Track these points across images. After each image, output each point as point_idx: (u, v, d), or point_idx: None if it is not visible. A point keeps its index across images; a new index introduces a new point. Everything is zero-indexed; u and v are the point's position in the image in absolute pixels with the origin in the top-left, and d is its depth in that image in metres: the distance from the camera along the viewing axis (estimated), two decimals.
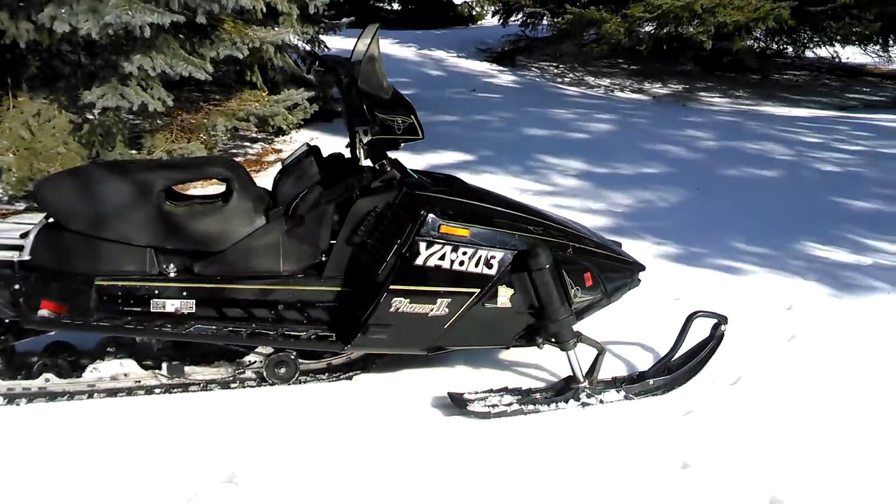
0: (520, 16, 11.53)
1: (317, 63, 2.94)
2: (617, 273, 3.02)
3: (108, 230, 2.71)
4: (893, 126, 7.79)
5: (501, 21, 11.99)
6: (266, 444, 2.59)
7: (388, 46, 11.16)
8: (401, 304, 2.74)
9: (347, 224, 2.87)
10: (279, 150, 6.79)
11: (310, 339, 2.85)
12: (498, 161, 6.17)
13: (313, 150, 2.98)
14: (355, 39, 2.93)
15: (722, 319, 3.04)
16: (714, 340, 3.04)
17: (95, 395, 2.82)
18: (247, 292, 2.85)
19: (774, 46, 11.02)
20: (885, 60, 11.28)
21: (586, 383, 2.89)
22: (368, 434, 2.67)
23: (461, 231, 2.75)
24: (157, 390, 2.89)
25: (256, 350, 2.95)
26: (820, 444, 2.58)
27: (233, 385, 2.94)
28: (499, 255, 2.78)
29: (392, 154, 2.99)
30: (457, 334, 2.84)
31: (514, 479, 2.44)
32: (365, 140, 2.87)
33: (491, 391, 2.92)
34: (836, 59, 11.38)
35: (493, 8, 12.25)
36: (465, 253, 2.74)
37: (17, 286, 2.69)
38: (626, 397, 2.91)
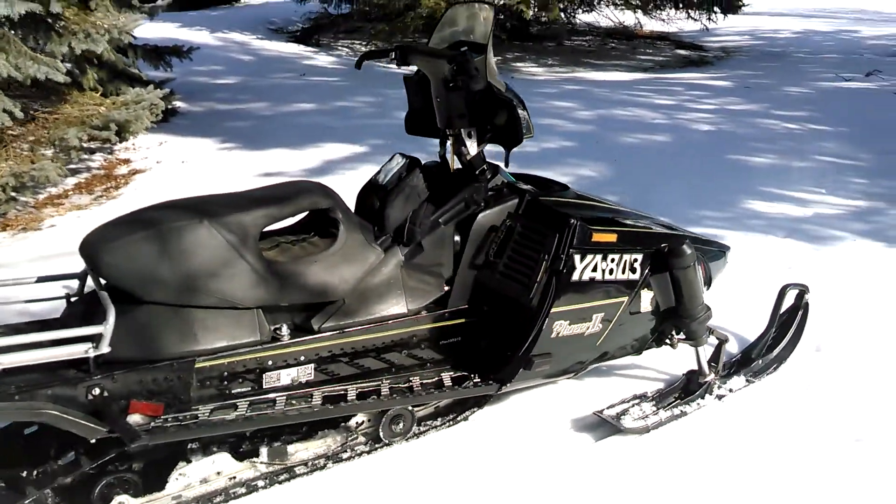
0: None
1: (397, 54, 2.42)
2: (714, 259, 2.91)
3: (203, 295, 2.04)
4: (706, 83, 8.55)
5: None
6: None
7: (177, 31, 10.06)
8: (561, 328, 2.40)
9: (471, 245, 2.46)
10: (128, 161, 5.79)
11: (462, 388, 2.41)
12: (396, 149, 5.77)
13: (416, 163, 2.51)
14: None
15: (805, 288, 3.07)
16: (802, 309, 3.05)
17: None
18: (372, 342, 2.34)
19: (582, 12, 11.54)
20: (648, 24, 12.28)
21: (712, 375, 2.78)
22: (532, 473, 2.34)
23: (610, 237, 2.46)
24: (260, 483, 2.29)
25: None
26: None
27: (344, 456, 2.42)
28: (640, 257, 2.53)
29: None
30: (605, 348, 2.58)
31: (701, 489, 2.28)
32: (472, 147, 2.47)
33: (624, 402, 2.70)
34: (598, 25, 12.18)
35: None
36: (613, 260, 2.47)
37: (98, 391, 1.95)
38: (747, 381, 2.84)
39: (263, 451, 2.28)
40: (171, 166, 5.47)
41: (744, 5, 11.74)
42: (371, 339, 2.34)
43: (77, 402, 1.91)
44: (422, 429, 2.54)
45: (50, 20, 4.76)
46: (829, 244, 4.06)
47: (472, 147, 2.48)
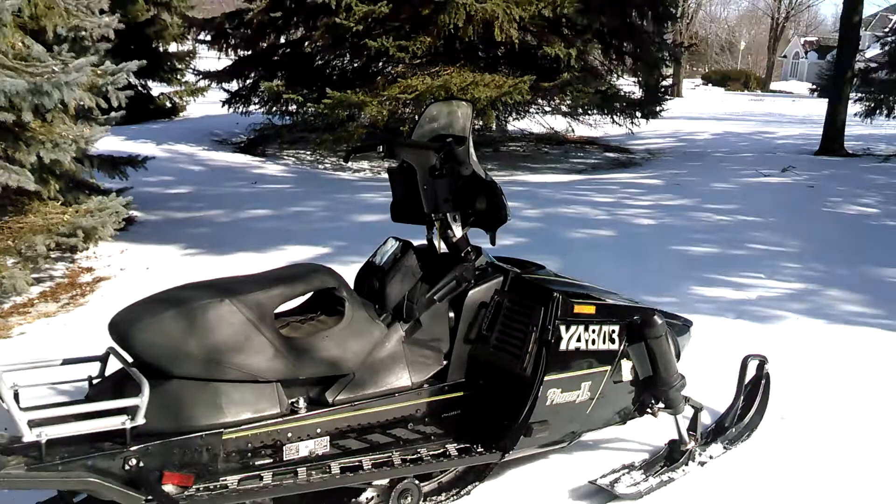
0: (258, 104, 11.33)
1: (384, 148, 2.65)
2: (680, 334, 3.14)
3: (227, 368, 2.14)
4: (639, 181, 9.11)
5: (232, 110, 11.65)
6: None
7: (123, 143, 10.18)
8: (555, 396, 2.57)
9: (464, 321, 2.63)
10: (91, 269, 5.80)
11: (468, 457, 2.53)
12: (359, 250, 5.97)
13: (409, 245, 2.70)
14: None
15: (764, 359, 3.32)
16: (764, 379, 3.29)
17: None
18: (381, 415, 2.46)
19: (511, 120, 12.17)
20: (586, 128, 13.07)
21: (692, 443, 2.96)
22: None
23: (589, 308, 2.67)
24: None
25: (373, 484, 2.54)
26: None
27: None
28: (616, 328, 2.75)
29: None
30: (594, 417, 2.75)
31: None
32: (457, 230, 2.68)
33: (615, 471, 2.85)
34: (530, 133, 12.90)
35: (221, 98, 11.80)
36: (594, 331, 2.67)
37: (134, 461, 2.01)
38: (724, 448, 3.04)
39: None
40: (136, 273, 5.51)
41: (663, 110, 12.63)
42: (380, 413, 2.46)
43: (115, 473, 1.97)
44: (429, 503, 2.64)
45: (17, 129, 4.86)
46: (774, 323, 4.38)
47: (457, 230, 2.68)
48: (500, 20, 9.93)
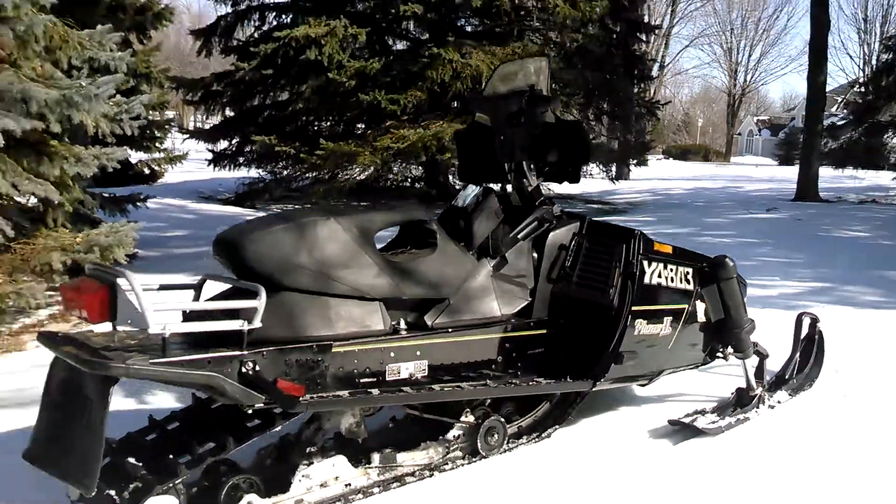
0: (244, 164, 11.42)
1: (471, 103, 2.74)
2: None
3: (335, 283, 2.14)
4: (633, 220, 9.29)
5: (218, 169, 11.73)
6: None
7: None
8: (641, 327, 2.60)
9: (546, 260, 2.67)
10: None
11: (561, 383, 2.52)
12: None
13: (490, 189, 2.75)
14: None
15: (816, 318, 3.38)
16: (818, 335, 3.35)
17: None
18: (475, 344, 2.45)
19: None
20: None
21: (760, 389, 2.99)
22: (621, 473, 2.45)
23: (667, 248, 2.75)
24: (376, 490, 2.28)
25: (461, 422, 2.51)
26: None
27: (445, 468, 2.45)
28: (691, 270, 2.81)
29: None
30: (674, 356, 2.78)
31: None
32: (532, 179, 2.75)
33: (689, 415, 2.84)
34: None
35: (207, 157, 11.87)
36: (671, 269, 2.73)
37: (250, 365, 1.97)
38: (790, 395, 3.08)
39: (376, 457, 2.30)
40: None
41: (629, 171, 12.94)
42: (473, 342, 2.46)
43: (232, 374, 1.93)
44: (511, 445, 2.62)
45: (41, 145, 4.86)
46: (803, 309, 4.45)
47: (532, 179, 2.75)
48: (486, 75, 10.26)
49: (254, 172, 11.56)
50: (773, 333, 3.34)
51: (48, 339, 2.00)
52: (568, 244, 2.71)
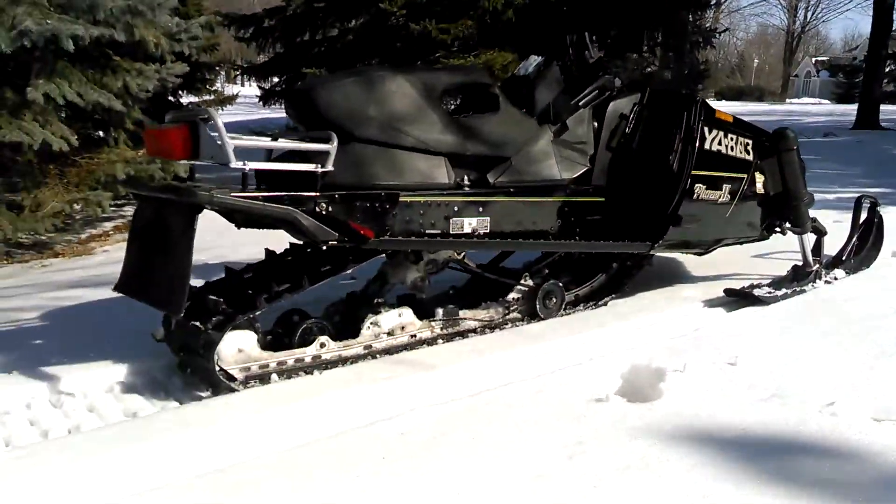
0: None
1: None
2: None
3: (402, 135, 2.21)
4: None
5: (269, 105, 11.86)
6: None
7: None
8: (700, 191, 2.63)
9: (606, 128, 2.70)
10: None
11: (621, 243, 2.59)
12: None
13: (552, 58, 2.78)
14: None
15: (876, 201, 3.36)
16: (878, 218, 3.33)
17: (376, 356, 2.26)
18: (535, 206, 2.52)
19: None
20: None
21: (816, 266, 3.00)
22: (679, 331, 2.51)
23: (728, 117, 2.76)
24: (440, 342, 2.39)
25: (519, 286, 2.59)
26: None
27: (505, 326, 2.55)
28: (751, 141, 2.82)
29: None
30: (731, 226, 2.81)
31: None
32: (594, 51, 2.77)
33: (745, 288, 2.88)
34: None
35: (254, 100, 12.02)
36: (732, 139, 2.75)
37: (324, 205, 2.08)
38: (847, 273, 3.08)
39: (439, 311, 2.40)
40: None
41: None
42: (534, 203, 2.52)
43: (308, 213, 2.03)
44: (568, 311, 2.70)
45: (103, 59, 5.01)
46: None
47: (594, 51, 2.77)
48: None
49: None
50: (831, 230, 3.30)
51: (135, 184, 2.13)
52: (628, 113, 2.73)
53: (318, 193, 2.06)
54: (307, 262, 2.27)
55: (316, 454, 1.70)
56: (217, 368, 1.97)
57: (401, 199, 2.20)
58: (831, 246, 3.24)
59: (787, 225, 2.97)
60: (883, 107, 12.53)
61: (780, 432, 1.75)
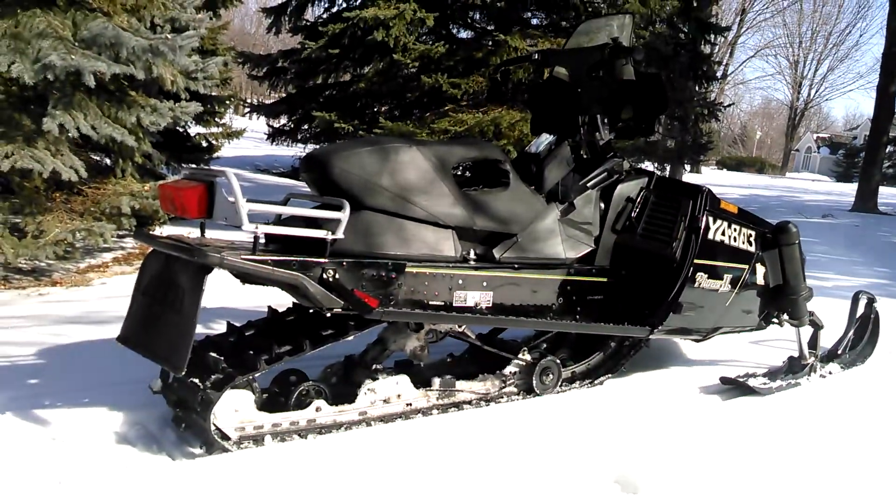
0: (301, 140, 11.65)
1: (539, 57, 2.83)
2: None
3: (413, 206, 2.25)
4: None
5: (276, 142, 12.00)
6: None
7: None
8: (702, 280, 2.66)
9: (612, 210, 2.75)
10: None
11: (620, 326, 2.60)
12: None
13: (563, 138, 2.83)
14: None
15: (873, 298, 3.39)
16: (874, 314, 3.36)
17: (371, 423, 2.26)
18: (538, 283, 2.54)
19: None
20: None
21: (812, 359, 3.02)
22: (668, 422, 2.49)
23: (733, 207, 2.81)
24: (435, 412, 2.40)
25: (517, 360, 2.60)
26: None
27: (500, 400, 2.55)
28: (754, 233, 2.86)
29: None
30: (730, 315, 2.83)
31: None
32: (605, 133, 2.81)
33: (740, 377, 2.89)
34: None
35: (261, 136, 12.15)
36: (735, 229, 2.79)
37: (331, 272, 2.09)
38: (842, 368, 3.10)
39: (436, 381, 2.42)
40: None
41: (683, 174, 12.77)
42: (537, 280, 2.55)
43: (315, 279, 2.05)
44: (564, 388, 2.71)
45: (119, 93, 5.08)
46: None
47: (605, 133, 2.81)
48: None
49: (311, 148, 11.77)
50: (827, 321, 3.30)
51: (146, 236, 2.15)
52: (635, 197, 2.78)
53: (326, 260, 2.08)
54: (309, 324, 2.28)
55: None
56: (213, 428, 1.97)
57: (407, 269, 2.23)
58: (830, 331, 3.25)
59: (785, 317, 2.99)
60: (882, 189, 12.68)
61: None
